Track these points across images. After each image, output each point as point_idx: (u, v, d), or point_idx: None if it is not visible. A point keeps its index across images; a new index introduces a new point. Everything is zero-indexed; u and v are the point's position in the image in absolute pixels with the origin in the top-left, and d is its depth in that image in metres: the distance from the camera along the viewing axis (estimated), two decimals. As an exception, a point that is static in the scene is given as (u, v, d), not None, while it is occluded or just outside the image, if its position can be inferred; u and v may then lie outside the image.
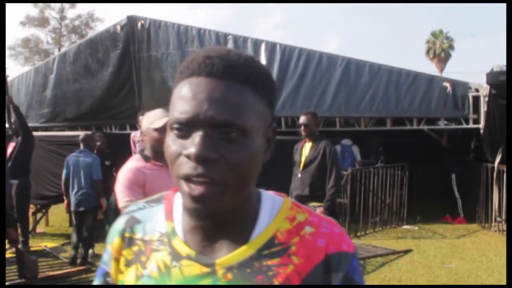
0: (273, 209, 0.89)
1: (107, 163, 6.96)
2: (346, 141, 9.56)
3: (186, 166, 0.77)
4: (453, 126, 8.60)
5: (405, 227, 8.86)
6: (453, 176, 9.24)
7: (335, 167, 4.92)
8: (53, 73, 11.40)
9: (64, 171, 6.38)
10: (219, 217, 0.83)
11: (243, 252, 0.84)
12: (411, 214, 9.26)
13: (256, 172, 0.83)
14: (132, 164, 2.77)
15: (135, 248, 0.91)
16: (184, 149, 0.77)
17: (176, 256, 0.86)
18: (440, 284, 5.51)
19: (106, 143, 7.16)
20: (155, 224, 0.92)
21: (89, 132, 7.52)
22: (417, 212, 9.47)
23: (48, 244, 7.29)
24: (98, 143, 6.96)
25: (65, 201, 6.39)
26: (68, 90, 11.20)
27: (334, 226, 0.89)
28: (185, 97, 0.79)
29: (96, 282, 0.98)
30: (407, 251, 6.97)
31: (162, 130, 2.67)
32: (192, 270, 0.84)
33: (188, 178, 0.77)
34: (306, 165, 5.00)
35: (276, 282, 0.82)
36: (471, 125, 8.18)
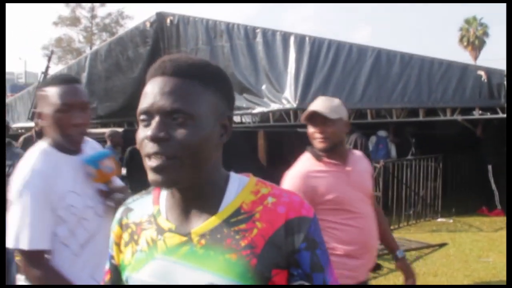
0: (239, 185, 1.06)
1: None
2: (382, 133, 9.47)
3: (148, 147, 0.96)
4: (488, 115, 8.36)
5: (439, 220, 8.69)
6: (489, 167, 9.01)
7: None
8: (85, 71, 11.60)
9: None
10: (187, 193, 1.02)
11: (213, 221, 1.01)
12: (445, 206, 9.08)
13: (209, 152, 1.00)
14: (301, 168, 2.43)
15: (129, 231, 1.11)
16: (146, 134, 0.96)
17: (160, 231, 1.05)
18: (477, 278, 5.39)
19: None
20: (145, 209, 1.11)
21: (115, 129, 7.64)
22: (452, 204, 9.26)
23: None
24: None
25: None
26: (100, 88, 11.39)
27: (294, 196, 1.05)
28: (145, 93, 1.00)
29: (107, 265, 1.19)
30: (442, 245, 6.85)
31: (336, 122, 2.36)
32: (173, 240, 1.02)
33: (149, 156, 0.96)
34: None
35: (242, 244, 0.98)
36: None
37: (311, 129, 2.40)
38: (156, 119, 0.96)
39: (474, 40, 43.63)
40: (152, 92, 0.98)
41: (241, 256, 0.97)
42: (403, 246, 6.62)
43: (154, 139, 0.95)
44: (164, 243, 1.03)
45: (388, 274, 5.52)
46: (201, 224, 1.02)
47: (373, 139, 9.47)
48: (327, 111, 2.33)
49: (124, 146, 7.43)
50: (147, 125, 0.98)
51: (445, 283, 5.25)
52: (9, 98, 14.82)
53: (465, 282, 5.26)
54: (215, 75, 1.04)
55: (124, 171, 6.99)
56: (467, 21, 44.28)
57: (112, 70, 11.11)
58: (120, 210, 1.17)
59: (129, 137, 7.41)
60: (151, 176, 0.97)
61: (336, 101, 2.45)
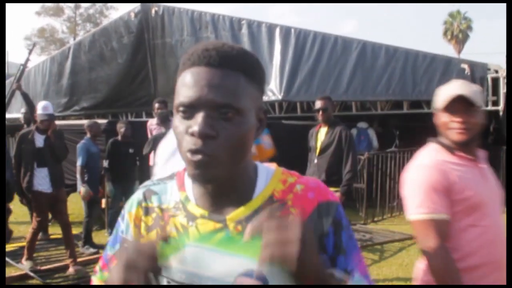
0: (267, 175, 1.05)
1: (131, 151, 6.98)
2: (362, 124, 9.49)
3: (190, 142, 0.91)
4: (471, 108, 8.45)
5: (423, 211, 8.78)
6: (472, 159, 9.11)
7: (352, 152, 4.88)
8: (68, 62, 11.46)
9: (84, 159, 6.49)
10: (221, 184, 0.98)
11: (248, 207, 0.99)
12: (429, 198, 9.16)
13: (249, 146, 0.98)
14: (434, 158, 2.01)
15: (153, 215, 1.06)
16: (189, 128, 0.92)
17: (191, 217, 1.01)
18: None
19: (130, 131, 7.11)
20: (170, 195, 1.07)
21: (94, 120, 7.59)
22: (435, 196, 9.37)
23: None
24: (122, 130, 6.98)
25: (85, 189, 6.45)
26: (84, 79, 11.26)
27: (319, 182, 1.06)
28: (188, 84, 0.93)
29: (110, 251, 1.11)
30: (425, 236, 6.91)
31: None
32: (206, 227, 0.99)
33: (190, 151, 0.92)
34: (322, 150, 4.96)
35: None
36: (490, 107, 8.02)
37: (446, 117, 2.02)
38: (201, 114, 0.91)
39: (458, 33, 43.96)
40: (198, 84, 0.92)
41: None
42: (386, 237, 6.69)
43: (201, 135, 0.90)
44: (197, 229, 1.00)
45: (372, 265, 5.57)
46: (236, 210, 0.99)
47: (354, 131, 9.53)
48: (473, 97, 1.95)
49: (108, 137, 7.37)
50: (188, 118, 0.93)
51: (428, 273, 5.31)
52: (-10, 89, 14.57)
53: (447, 272, 5.33)
54: (256, 66, 1.00)
55: (106, 163, 6.94)
56: (451, 15, 44.60)
57: (96, 61, 10.99)
58: (140, 191, 1.11)
59: (113, 129, 7.35)
60: (191, 171, 0.93)
61: (475, 86, 2.08)
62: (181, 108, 0.93)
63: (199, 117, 0.91)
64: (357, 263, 1.01)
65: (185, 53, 0.98)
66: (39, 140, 5.47)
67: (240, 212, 0.99)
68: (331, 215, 1.00)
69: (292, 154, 6.03)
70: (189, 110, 0.92)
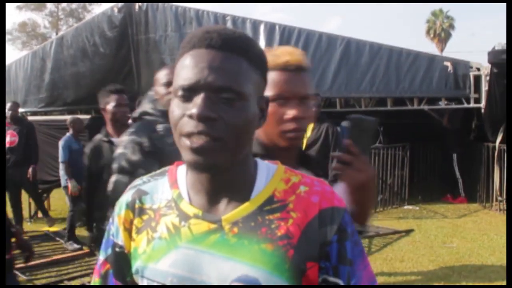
0: (268, 173, 0.98)
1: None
2: (346, 123, 9.50)
3: (189, 125, 0.86)
4: (454, 105, 8.55)
5: (406, 207, 8.87)
6: (454, 156, 9.23)
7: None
8: (50, 57, 11.28)
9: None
10: (219, 178, 0.92)
11: (246, 208, 0.92)
12: (412, 194, 9.27)
13: (251, 135, 0.93)
14: None
15: (145, 217, 0.99)
16: (187, 111, 0.86)
17: (184, 216, 0.94)
18: (442, 263, 5.53)
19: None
20: (161, 193, 1.00)
21: (76, 116, 7.53)
22: (418, 192, 9.48)
23: (50, 228, 7.31)
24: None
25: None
26: (66, 74, 11.10)
27: (325, 185, 0.98)
28: (188, 66, 0.88)
29: (102, 255, 1.04)
30: (408, 231, 6.99)
31: None
32: (200, 227, 0.92)
33: (189, 135, 0.86)
34: (308, 146, 4.97)
35: (278, 234, 0.90)
36: (472, 105, 8.13)
37: None
38: (201, 96, 0.86)
39: (441, 32, 44.43)
40: (197, 66, 0.87)
41: (278, 247, 0.89)
42: (371, 232, 6.74)
43: (201, 117, 0.84)
44: (189, 230, 0.92)
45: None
46: (233, 211, 0.92)
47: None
48: None
49: (92, 133, 7.28)
50: (186, 101, 0.88)
51: (412, 268, 5.37)
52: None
53: (430, 267, 5.40)
54: (259, 53, 0.95)
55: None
56: (434, 14, 45.04)
57: (78, 56, 10.84)
58: (129, 192, 1.03)
59: (96, 125, 7.27)
60: (189, 157, 0.87)
61: None
62: (179, 92, 0.88)
63: (199, 99, 0.85)
64: (362, 270, 0.94)
65: (185, 37, 0.93)
66: None
67: (237, 212, 0.92)
68: (335, 223, 0.92)
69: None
70: (188, 93, 0.87)
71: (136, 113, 2.66)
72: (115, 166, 2.47)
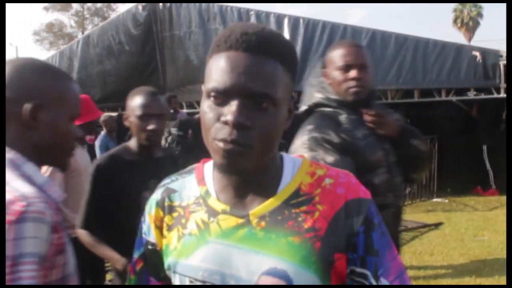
0: (294, 167, 0.98)
1: None
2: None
3: (223, 132, 0.86)
4: (483, 96, 8.37)
5: (435, 200, 8.75)
6: (484, 147, 9.05)
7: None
8: (77, 56, 11.48)
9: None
10: (247, 175, 0.93)
11: (272, 202, 0.93)
12: (441, 187, 9.13)
13: (279, 138, 0.93)
14: None
15: (175, 214, 1.01)
16: (222, 116, 0.86)
17: (212, 212, 0.96)
18: (473, 256, 5.44)
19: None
20: (190, 190, 1.02)
21: (109, 114, 7.59)
22: (447, 184, 9.32)
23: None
24: None
25: None
26: (93, 72, 11.29)
27: (350, 177, 0.98)
28: (223, 68, 0.87)
29: (136, 253, 1.07)
30: (438, 224, 6.89)
31: None
32: (228, 222, 0.93)
33: (224, 141, 0.86)
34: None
35: (305, 226, 0.91)
36: (502, 95, 7.93)
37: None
38: (236, 102, 0.85)
39: (468, 21, 43.46)
40: (235, 70, 0.86)
41: (305, 239, 0.90)
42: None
43: (236, 125, 0.84)
44: (218, 225, 0.94)
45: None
46: (259, 205, 0.94)
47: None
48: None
49: (119, 131, 7.38)
50: (221, 104, 0.87)
51: (442, 262, 5.29)
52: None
53: (461, 260, 5.31)
54: (293, 55, 0.94)
55: None
56: (461, 2, 44.09)
57: (104, 55, 11.01)
58: (159, 191, 1.05)
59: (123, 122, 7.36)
60: (220, 160, 0.87)
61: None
62: (213, 94, 0.87)
63: (234, 105, 0.85)
64: (390, 262, 0.94)
65: (220, 33, 0.92)
66: None
67: (264, 207, 0.93)
68: (362, 214, 0.93)
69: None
70: (223, 96, 0.86)
71: (305, 106, 2.21)
72: None
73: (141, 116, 2.21)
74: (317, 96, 2.13)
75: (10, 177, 1.05)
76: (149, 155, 2.29)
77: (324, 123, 2.02)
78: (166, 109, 2.36)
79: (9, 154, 1.10)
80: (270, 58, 0.87)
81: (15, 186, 1.02)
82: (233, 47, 0.87)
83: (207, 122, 0.89)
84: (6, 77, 1.12)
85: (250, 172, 0.91)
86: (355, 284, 0.92)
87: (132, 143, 2.32)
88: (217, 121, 0.87)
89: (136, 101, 2.23)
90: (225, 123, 0.85)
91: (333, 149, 1.94)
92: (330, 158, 1.89)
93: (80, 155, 3.13)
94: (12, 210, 0.96)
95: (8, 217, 0.95)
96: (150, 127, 2.20)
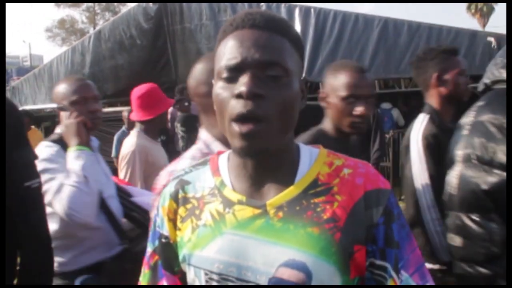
0: (311, 156, 0.97)
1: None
2: (385, 105, 9.34)
3: (238, 106, 0.85)
4: (499, 82, 8.24)
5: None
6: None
7: (380, 131, 4.82)
8: (89, 51, 11.52)
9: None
10: (264, 162, 0.92)
11: (290, 192, 0.92)
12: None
13: (295, 117, 0.92)
14: None
15: (189, 206, 0.99)
16: (235, 91, 0.86)
17: (228, 203, 0.94)
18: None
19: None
20: (204, 182, 1.00)
21: (129, 108, 7.56)
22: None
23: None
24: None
25: None
26: (105, 67, 11.33)
27: (369, 167, 0.97)
28: (232, 46, 0.88)
29: (150, 247, 1.05)
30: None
31: None
32: (245, 213, 0.92)
33: (239, 118, 0.85)
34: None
35: (324, 217, 0.89)
36: (518, 81, 7.81)
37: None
38: (248, 74, 0.85)
39: (482, 6, 42.81)
40: (242, 45, 0.86)
41: (324, 230, 0.88)
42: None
43: (249, 95, 0.84)
44: (234, 216, 0.92)
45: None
46: (277, 195, 0.92)
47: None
48: None
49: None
50: (232, 82, 0.87)
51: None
52: (15, 81, 14.81)
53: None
54: (298, 36, 0.96)
55: None
56: (475, -12, 43.43)
57: (116, 49, 11.04)
58: (173, 182, 1.04)
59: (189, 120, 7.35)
60: (239, 143, 0.86)
61: None
62: (224, 73, 0.87)
63: (246, 77, 0.85)
64: (409, 254, 0.92)
65: (225, 23, 0.94)
66: None
67: (281, 196, 0.91)
68: (381, 205, 0.91)
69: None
70: (234, 73, 0.87)
71: (482, 83, 1.97)
72: (460, 153, 1.78)
73: (346, 97, 1.88)
74: (496, 73, 1.92)
75: None
76: (345, 141, 2.00)
77: (500, 104, 1.80)
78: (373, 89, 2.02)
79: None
80: (276, 33, 0.89)
81: None
82: (239, 26, 0.89)
83: (221, 103, 0.88)
84: None
85: (270, 153, 0.89)
86: (376, 284, 0.90)
87: (328, 126, 2.01)
88: (231, 98, 0.87)
89: (340, 79, 1.89)
90: (239, 96, 0.85)
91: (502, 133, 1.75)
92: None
93: (157, 151, 3.11)
94: None
95: None
96: (358, 111, 1.87)
